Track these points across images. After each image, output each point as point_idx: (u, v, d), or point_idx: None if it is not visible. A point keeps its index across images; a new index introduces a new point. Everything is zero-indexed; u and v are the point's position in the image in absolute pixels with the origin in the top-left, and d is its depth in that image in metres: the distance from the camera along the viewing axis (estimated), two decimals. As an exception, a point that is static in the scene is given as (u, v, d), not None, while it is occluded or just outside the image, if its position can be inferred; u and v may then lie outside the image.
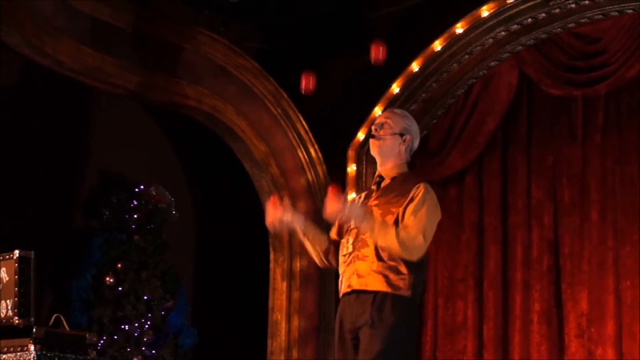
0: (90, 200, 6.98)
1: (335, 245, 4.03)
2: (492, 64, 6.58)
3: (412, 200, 3.85)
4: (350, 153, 6.91)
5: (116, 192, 6.94)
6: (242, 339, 7.28)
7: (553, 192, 6.45)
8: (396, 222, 3.83)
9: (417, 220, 3.80)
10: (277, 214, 3.92)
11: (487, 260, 6.64)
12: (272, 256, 7.01)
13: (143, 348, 6.70)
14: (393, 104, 6.68)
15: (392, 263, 3.81)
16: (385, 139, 3.99)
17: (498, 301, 6.55)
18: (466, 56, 6.55)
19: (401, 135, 4.01)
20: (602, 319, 6.12)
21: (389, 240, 3.78)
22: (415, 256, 3.80)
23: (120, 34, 6.31)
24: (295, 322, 6.85)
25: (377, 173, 4.06)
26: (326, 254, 4.05)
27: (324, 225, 4.17)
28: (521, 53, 6.49)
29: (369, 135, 4.09)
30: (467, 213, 6.77)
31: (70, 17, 6.09)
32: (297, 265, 6.90)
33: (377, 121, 4.06)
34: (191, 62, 6.63)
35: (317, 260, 4.10)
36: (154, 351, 6.74)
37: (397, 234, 3.77)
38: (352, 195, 6.74)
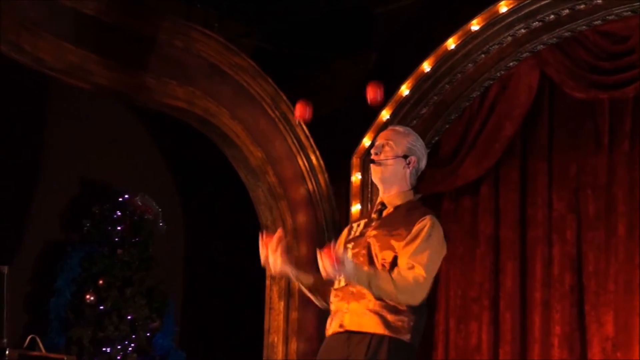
0: (69, 211, 6.85)
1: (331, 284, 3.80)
2: (511, 64, 6.45)
3: (415, 237, 3.64)
4: (355, 161, 6.78)
5: (98, 201, 6.83)
6: (235, 363, 7.21)
7: (576, 204, 6.29)
8: (394, 258, 3.66)
9: (418, 261, 3.59)
10: (268, 255, 3.72)
11: (503, 278, 6.48)
12: (268, 273, 6.72)
13: (126, 372, 6.62)
14: (402, 107, 6.59)
15: (391, 302, 3.63)
16: (387, 164, 3.78)
17: (515, 323, 6.38)
18: (482, 55, 6.43)
19: (405, 157, 3.79)
20: (628, 343, 5.94)
21: (386, 290, 3.57)
22: (417, 300, 3.63)
23: (105, 30, 6.12)
24: (294, 345, 6.69)
25: (379, 200, 3.86)
26: (325, 295, 3.87)
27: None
28: (542, 52, 6.36)
29: (370, 160, 3.88)
30: (483, 226, 6.62)
31: (51, 11, 5.88)
32: (296, 283, 6.64)
33: (376, 143, 3.86)
34: (182, 60, 6.45)
35: (317, 303, 3.95)
36: (137, 375, 6.65)
37: (394, 282, 3.56)
38: (356, 207, 6.68)
